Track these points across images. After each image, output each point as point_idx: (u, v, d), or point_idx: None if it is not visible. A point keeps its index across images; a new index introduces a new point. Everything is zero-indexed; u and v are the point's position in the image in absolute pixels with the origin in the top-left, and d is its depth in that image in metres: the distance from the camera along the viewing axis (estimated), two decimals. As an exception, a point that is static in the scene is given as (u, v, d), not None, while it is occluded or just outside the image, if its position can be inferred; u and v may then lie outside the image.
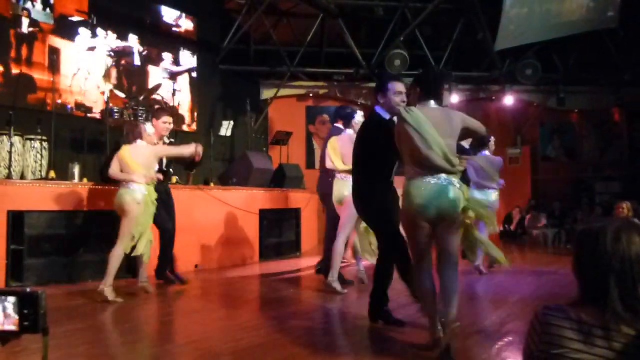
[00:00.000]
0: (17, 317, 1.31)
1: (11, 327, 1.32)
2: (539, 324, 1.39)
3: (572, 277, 1.44)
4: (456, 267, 3.17)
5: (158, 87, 8.90)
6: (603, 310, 1.33)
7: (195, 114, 10.59)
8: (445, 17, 11.72)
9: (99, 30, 8.71)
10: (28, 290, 1.33)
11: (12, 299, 1.31)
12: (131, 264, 5.98)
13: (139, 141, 5.04)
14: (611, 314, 1.31)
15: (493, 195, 6.26)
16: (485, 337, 3.61)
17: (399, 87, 3.83)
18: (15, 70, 7.57)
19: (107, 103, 8.04)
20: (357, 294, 5.22)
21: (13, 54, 7.59)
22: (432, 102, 3.24)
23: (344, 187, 5.12)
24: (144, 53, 9.55)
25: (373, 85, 11.94)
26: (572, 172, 12.78)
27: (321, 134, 12.17)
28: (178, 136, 9.54)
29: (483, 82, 12.32)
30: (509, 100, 12.08)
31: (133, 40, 9.35)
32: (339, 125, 5.66)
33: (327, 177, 5.66)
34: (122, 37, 9.16)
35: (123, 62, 9.18)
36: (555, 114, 13.03)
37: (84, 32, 8.49)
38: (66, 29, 8.26)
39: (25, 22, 7.75)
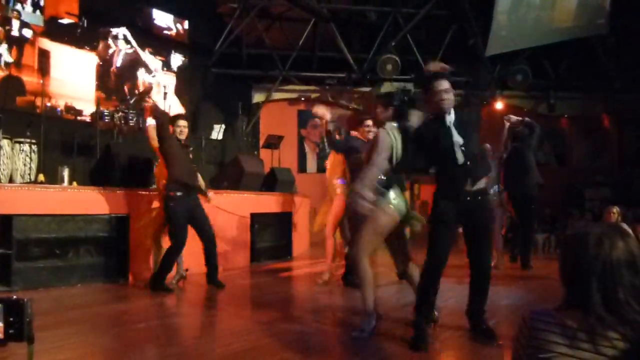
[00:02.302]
0: (1, 324, 1.30)
1: (-4, 334, 1.31)
2: (527, 328, 1.40)
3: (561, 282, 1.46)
4: None
5: (149, 89, 8.88)
6: (587, 314, 1.34)
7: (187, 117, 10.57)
8: (436, 23, 11.79)
9: (92, 34, 8.69)
10: (14, 297, 1.31)
11: (-4, 306, 1.30)
12: (122, 267, 5.97)
13: None
14: (594, 317, 1.32)
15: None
16: (474, 341, 3.62)
17: (444, 84, 3.52)
18: (4, 73, 7.51)
19: (97, 106, 8.01)
20: (348, 296, 5.22)
21: (2, 55, 7.54)
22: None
23: None
24: (135, 56, 9.52)
25: (365, 89, 11.99)
26: (562, 178, 12.86)
27: (313, 138, 12.19)
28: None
29: (473, 87, 12.38)
30: (499, 105, 12.15)
31: (124, 43, 9.32)
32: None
33: None
34: (113, 40, 9.13)
35: (113, 64, 9.15)
36: (545, 120, 13.07)
37: (78, 36, 8.47)
38: (56, 31, 8.23)
39: (16, 23, 7.70)
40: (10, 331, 1.29)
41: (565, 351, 1.33)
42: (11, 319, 1.29)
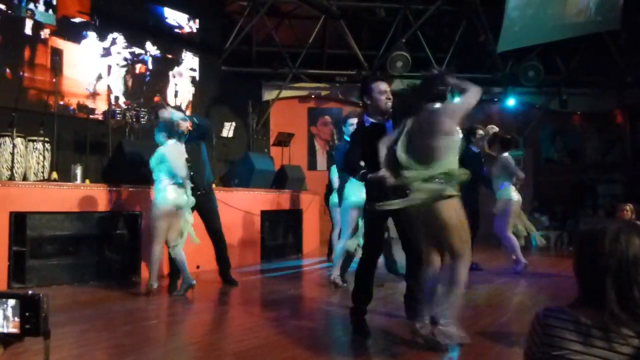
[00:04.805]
0: (18, 320, 1.32)
1: (13, 330, 1.33)
2: (540, 326, 1.39)
3: (574, 279, 1.44)
4: None
5: (160, 88, 8.92)
6: (601, 311, 1.32)
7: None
8: (447, 19, 11.72)
9: (103, 33, 8.74)
10: (29, 292, 1.33)
11: (13, 302, 1.32)
12: (134, 265, 6.01)
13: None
14: (608, 315, 1.31)
15: (502, 194, 6.56)
16: (486, 338, 3.61)
17: (382, 86, 3.73)
18: (17, 72, 7.58)
19: (109, 104, 8.06)
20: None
21: (16, 55, 7.61)
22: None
23: None
24: (146, 54, 9.56)
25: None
26: (574, 174, 12.75)
27: (323, 135, 12.18)
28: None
29: (485, 83, 12.30)
30: (510, 102, 12.07)
31: (135, 42, 9.36)
32: None
33: None
34: (125, 39, 9.18)
35: (125, 63, 9.20)
36: (557, 116, 13.00)
37: (90, 35, 8.54)
38: (68, 31, 8.29)
39: (29, 23, 7.77)
40: (27, 326, 1.32)
41: (579, 349, 1.32)
42: (27, 314, 1.31)
